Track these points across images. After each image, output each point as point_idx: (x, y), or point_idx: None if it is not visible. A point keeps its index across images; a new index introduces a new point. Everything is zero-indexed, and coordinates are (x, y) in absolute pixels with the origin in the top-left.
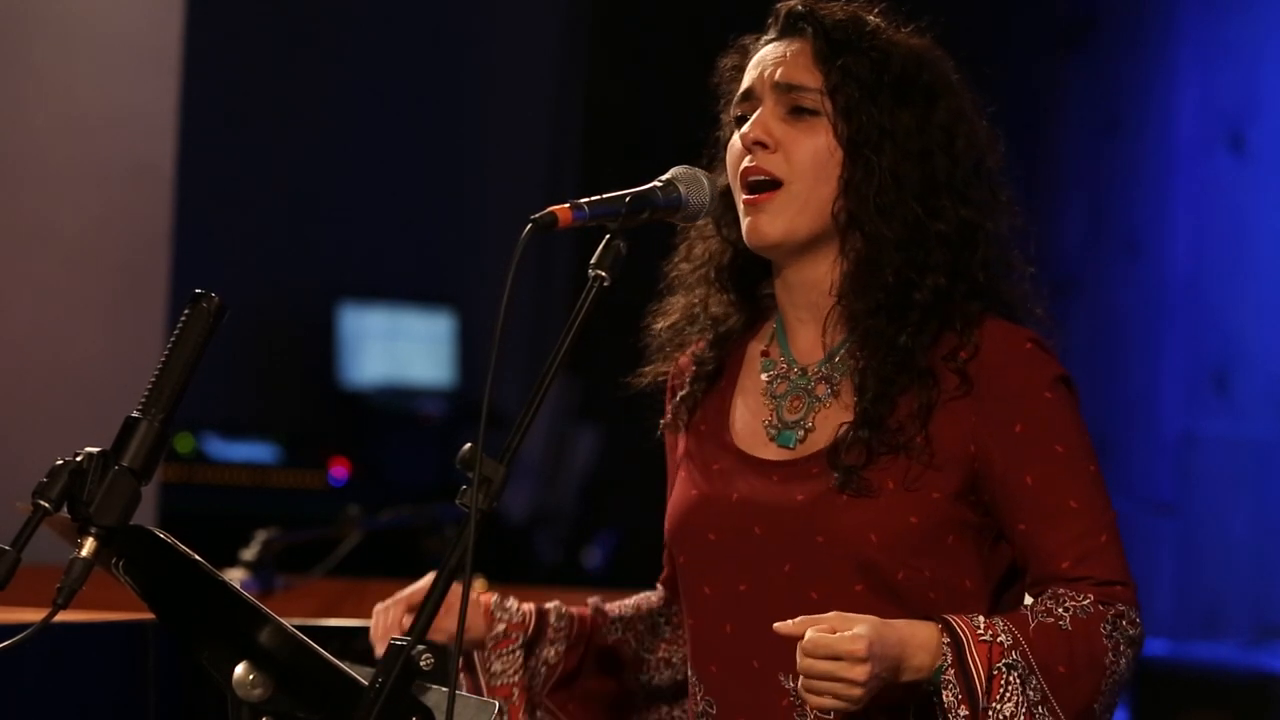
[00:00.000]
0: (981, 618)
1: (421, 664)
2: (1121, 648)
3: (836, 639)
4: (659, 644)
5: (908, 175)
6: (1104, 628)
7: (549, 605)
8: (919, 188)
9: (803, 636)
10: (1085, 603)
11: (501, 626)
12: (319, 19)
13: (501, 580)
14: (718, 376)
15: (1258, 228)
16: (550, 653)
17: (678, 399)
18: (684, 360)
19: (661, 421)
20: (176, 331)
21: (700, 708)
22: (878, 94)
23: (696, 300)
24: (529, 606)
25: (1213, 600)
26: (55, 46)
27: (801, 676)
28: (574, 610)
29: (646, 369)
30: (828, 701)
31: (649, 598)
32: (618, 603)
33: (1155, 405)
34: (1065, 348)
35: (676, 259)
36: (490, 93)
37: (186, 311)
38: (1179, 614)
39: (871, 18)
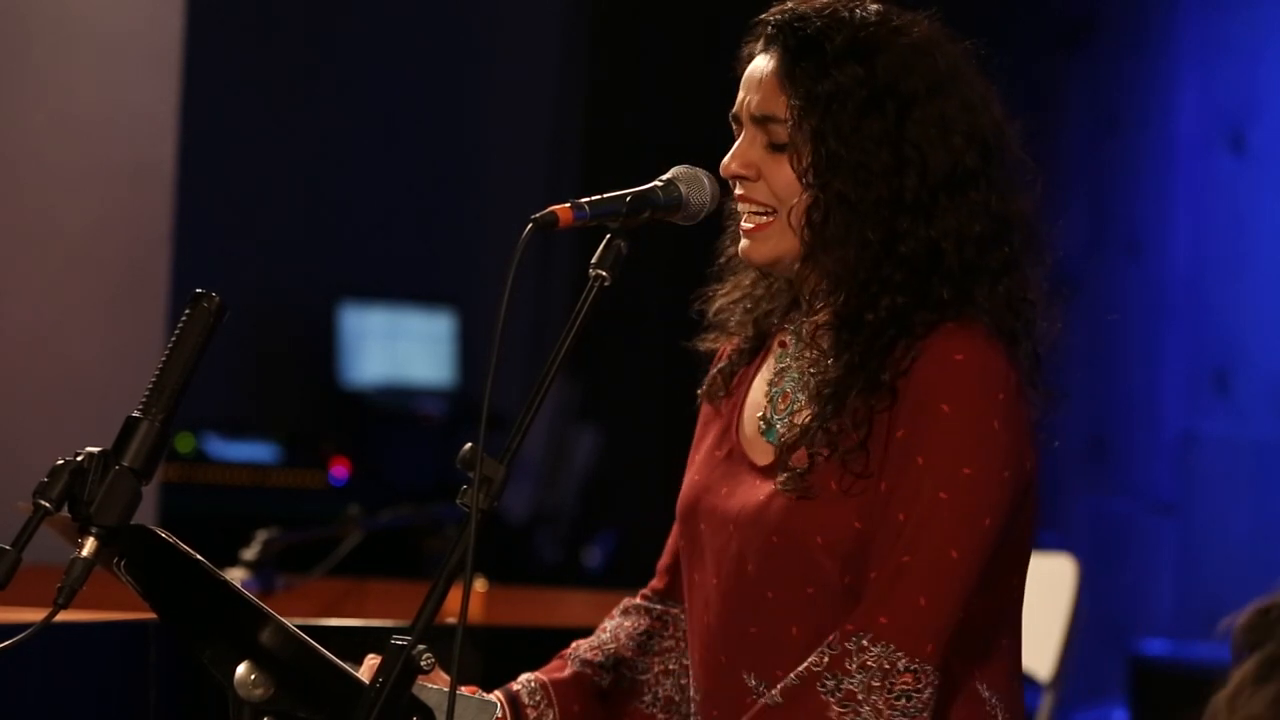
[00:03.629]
0: None
1: (422, 664)
2: (865, 694)
3: None
4: (653, 660)
5: (865, 202)
6: (821, 685)
7: (516, 685)
8: (878, 214)
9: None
10: (802, 669)
11: None
12: (319, 19)
13: (501, 580)
14: (753, 357)
15: (1258, 228)
16: None
17: (715, 371)
18: (734, 340)
19: (698, 391)
20: (176, 331)
21: (691, 692)
22: (840, 119)
23: (746, 281)
24: (499, 695)
25: (1213, 600)
26: (55, 46)
27: None
28: (545, 676)
29: (706, 336)
30: None
31: (621, 624)
32: (595, 640)
33: (1155, 405)
34: (1065, 348)
35: (727, 241)
36: (490, 93)
37: (186, 311)
38: (1179, 614)
39: (859, 15)
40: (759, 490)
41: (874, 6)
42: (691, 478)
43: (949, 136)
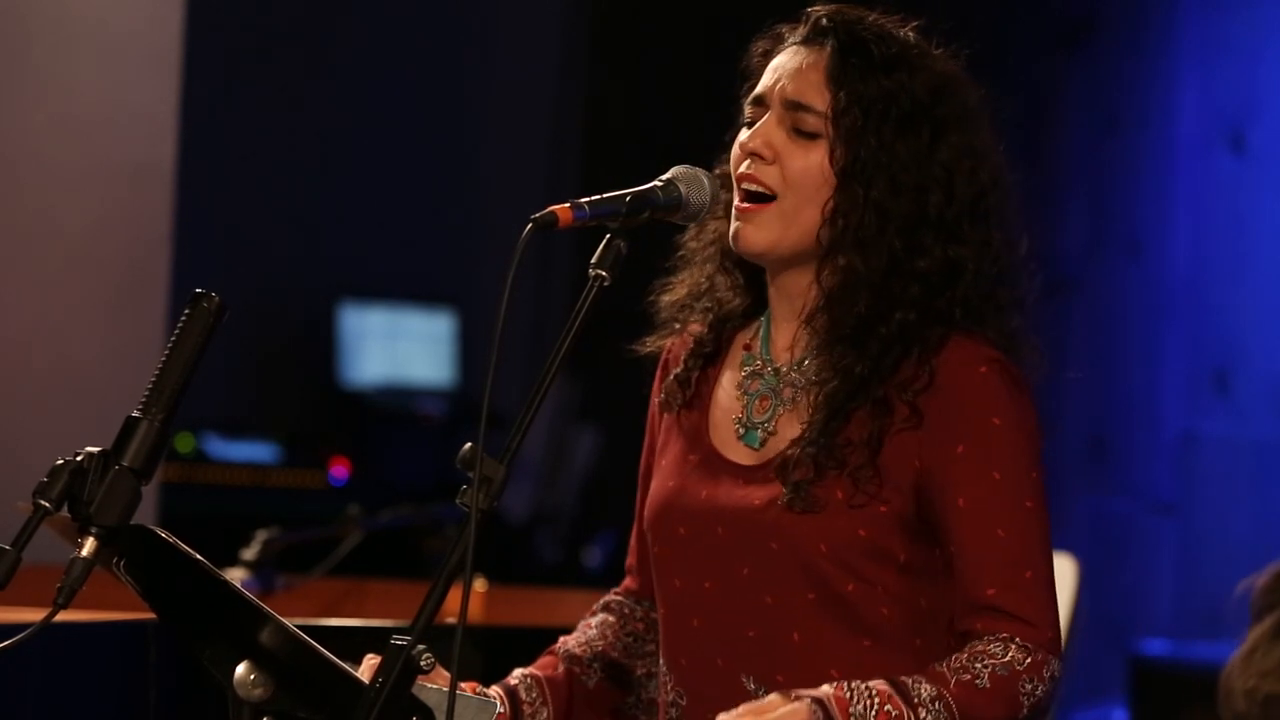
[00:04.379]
0: (880, 685)
1: (422, 664)
2: (1041, 703)
3: (779, 714)
4: (636, 663)
5: (894, 210)
6: (1023, 686)
7: (513, 680)
8: (905, 224)
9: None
10: (1005, 659)
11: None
12: (319, 19)
13: (501, 580)
14: (712, 360)
15: (1258, 228)
16: None
17: (671, 377)
18: (687, 338)
19: (656, 400)
20: (176, 331)
21: (671, 697)
22: (882, 124)
23: (704, 278)
24: (498, 690)
25: (1213, 600)
26: (55, 46)
27: None
28: (539, 672)
29: (648, 339)
30: None
31: (606, 620)
32: (582, 637)
33: (1155, 405)
34: (1065, 348)
35: (688, 236)
36: (490, 93)
37: (186, 311)
38: (1179, 614)
39: (904, 34)
40: (748, 493)
41: (912, 32)
42: (663, 483)
43: (977, 169)
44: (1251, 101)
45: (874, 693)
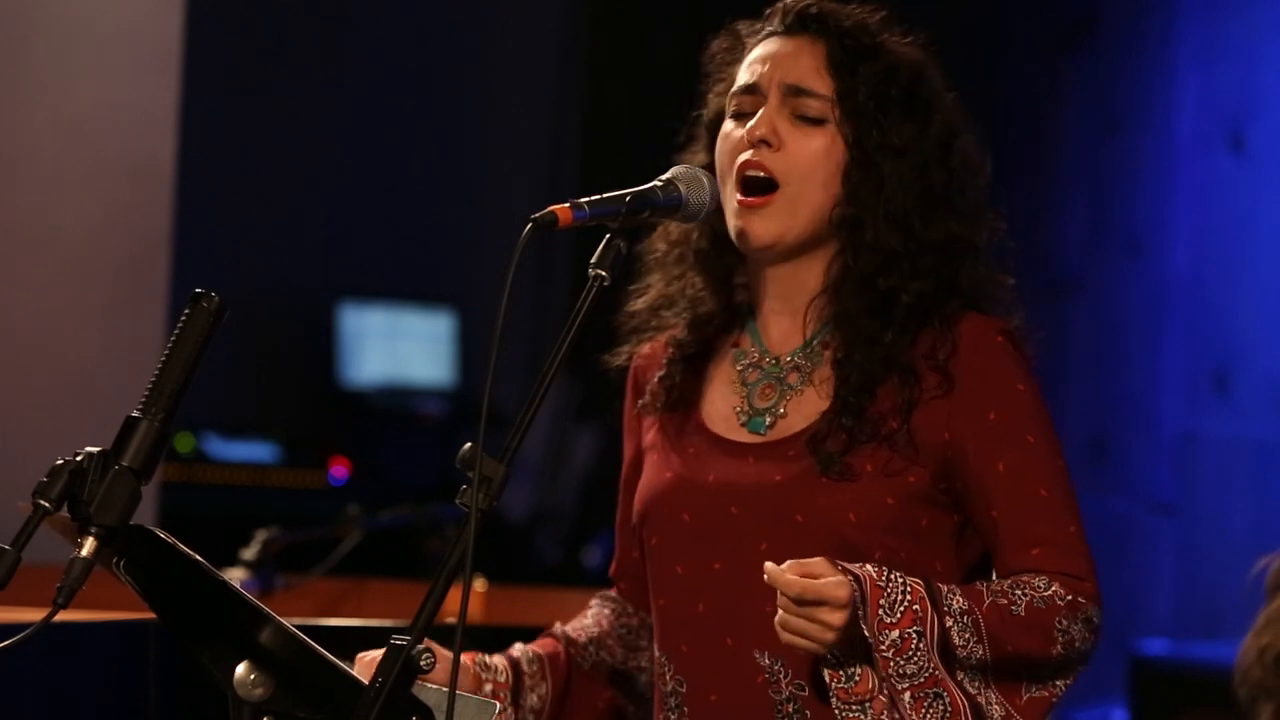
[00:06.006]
0: (916, 583)
1: (421, 663)
2: (1076, 644)
3: (823, 584)
4: (629, 654)
5: (910, 186)
6: (1059, 622)
7: (516, 653)
8: (915, 200)
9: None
10: (1047, 593)
11: (489, 687)
12: (319, 19)
13: (501, 580)
14: (694, 361)
15: (1258, 227)
16: (534, 698)
17: (655, 380)
18: (656, 345)
19: (640, 402)
20: (176, 331)
21: (669, 687)
22: (886, 105)
23: (674, 281)
24: (502, 660)
25: (1213, 600)
26: (55, 46)
27: (780, 612)
28: (540, 650)
29: (623, 349)
30: (800, 642)
31: (601, 612)
32: (578, 624)
33: (1155, 405)
34: (1065, 348)
35: (654, 238)
36: (490, 93)
37: (186, 311)
38: (1179, 614)
39: (876, 23)
40: (764, 469)
41: (880, 23)
42: (659, 475)
43: (964, 148)
44: (1251, 102)
45: (908, 588)
